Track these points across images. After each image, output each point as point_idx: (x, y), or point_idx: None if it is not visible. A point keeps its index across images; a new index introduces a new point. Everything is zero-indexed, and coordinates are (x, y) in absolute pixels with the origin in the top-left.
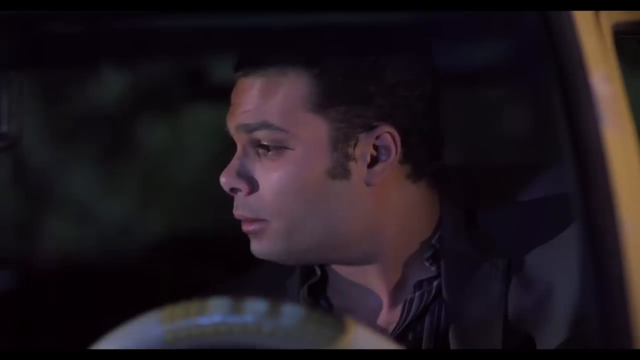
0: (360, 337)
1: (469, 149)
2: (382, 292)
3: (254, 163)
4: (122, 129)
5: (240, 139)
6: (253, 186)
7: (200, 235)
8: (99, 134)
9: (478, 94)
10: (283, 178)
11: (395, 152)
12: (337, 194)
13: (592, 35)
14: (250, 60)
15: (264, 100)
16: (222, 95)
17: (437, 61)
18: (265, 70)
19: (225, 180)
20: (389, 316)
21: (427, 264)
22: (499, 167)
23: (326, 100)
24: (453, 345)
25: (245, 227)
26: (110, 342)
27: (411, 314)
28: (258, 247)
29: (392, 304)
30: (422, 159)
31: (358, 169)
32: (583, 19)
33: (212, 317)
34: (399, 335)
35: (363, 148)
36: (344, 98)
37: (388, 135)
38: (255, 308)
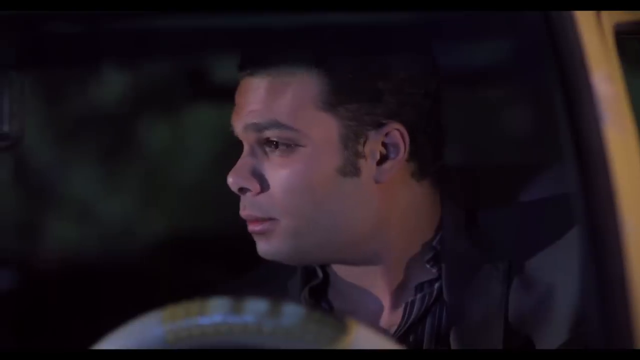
0: (362, 337)
1: (471, 149)
2: (384, 294)
3: (263, 162)
4: (123, 129)
5: (248, 139)
6: (263, 185)
7: (201, 235)
8: (100, 134)
9: (480, 94)
10: (293, 176)
11: (403, 149)
12: (346, 191)
13: (594, 35)
14: (256, 60)
15: (273, 99)
16: (224, 95)
17: (439, 61)
18: (272, 69)
19: (234, 180)
20: (390, 318)
21: (428, 266)
22: (500, 167)
23: (336, 98)
24: (454, 346)
25: (252, 228)
26: (111, 342)
27: (412, 316)
28: (266, 248)
29: (394, 306)
30: (427, 158)
31: (367, 166)
32: (584, 19)
33: (212, 317)
34: (400, 337)
35: (372, 145)
36: (354, 95)
37: (397, 132)
38: (255, 308)
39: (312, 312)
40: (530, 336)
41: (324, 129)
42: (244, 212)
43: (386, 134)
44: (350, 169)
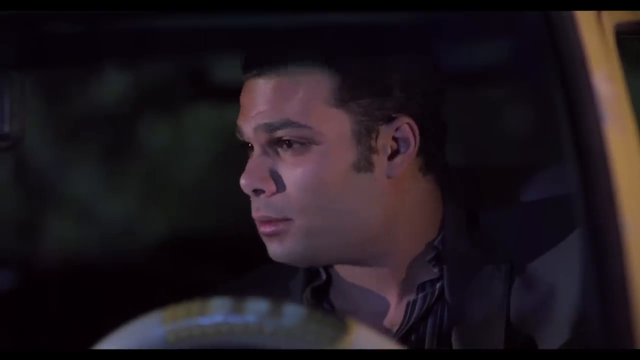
0: (362, 337)
1: (472, 149)
2: (386, 294)
3: (276, 162)
4: (123, 129)
5: (258, 140)
6: (277, 185)
7: (202, 235)
8: (100, 134)
9: (480, 94)
10: (309, 174)
11: (414, 144)
12: (361, 187)
13: (594, 35)
14: (263, 60)
15: (283, 98)
16: (224, 95)
17: (440, 60)
18: (279, 69)
19: (248, 182)
20: (392, 318)
21: (430, 265)
22: (501, 167)
23: (347, 93)
24: (456, 346)
25: (265, 229)
26: (112, 342)
27: (414, 315)
28: (278, 250)
29: (396, 305)
30: (433, 152)
31: (380, 161)
32: (585, 19)
33: (213, 317)
34: (402, 336)
35: (384, 140)
36: (364, 90)
37: (407, 126)
38: (256, 308)
39: (313, 312)
40: (531, 336)
41: (336, 125)
42: (257, 214)
43: (397, 129)
44: (365, 164)
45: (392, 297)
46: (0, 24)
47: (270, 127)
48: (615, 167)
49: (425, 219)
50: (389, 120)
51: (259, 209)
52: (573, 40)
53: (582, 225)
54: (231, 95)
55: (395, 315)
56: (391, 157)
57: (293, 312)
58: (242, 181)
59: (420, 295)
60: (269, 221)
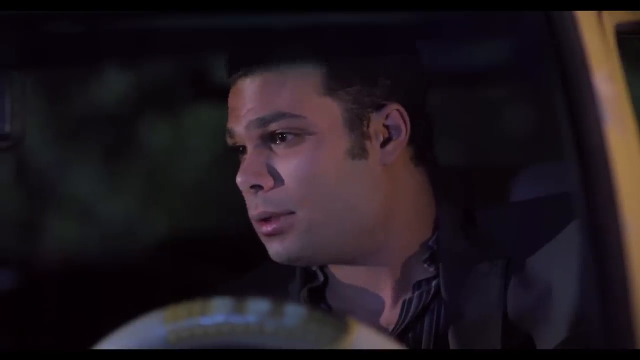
0: (363, 337)
1: (473, 150)
2: (382, 293)
3: (270, 157)
4: (124, 129)
5: (251, 137)
6: (275, 179)
7: (202, 235)
8: (101, 134)
9: (480, 94)
10: (305, 164)
11: (405, 130)
12: (357, 174)
13: (595, 35)
14: (248, 59)
15: (273, 93)
16: (224, 95)
17: (429, 57)
18: (265, 66)
19: (244, 179)
20: (388, 316)
21: (425, 265)
22: (500, 167)
23: (335, 82)
24: (452, 344)
25: (266, 228)
26: (112, 342)
27: (410, 313)
28: (279, 249)
29: (392, 304)
30: (423, 142)
31: (373, 148)
32: (586, 19)
33: (214, 317)
34: (398, 335)
35: (375, 127)
36: (352, 79)
37: (397, 112)
38: (257, 308)
39: (313, 312)
40: (528, 334)
41: (328, 114)
42: (256, 211)
43: (387, 116)
44: (359, 151)
45: (387, 296)
46: (0, 24)
47: (262, 122)
48: (616, 167)
49: (419, 212)
50: (379, 107)
51: (257, 206)
52: (573, 40)
53: (582, 224)
54: None
55: (391, 314)
56: (383, 144)
57: (294, 312)
58: (239, 179)
59: (416, 293)
60: (269, 218)
